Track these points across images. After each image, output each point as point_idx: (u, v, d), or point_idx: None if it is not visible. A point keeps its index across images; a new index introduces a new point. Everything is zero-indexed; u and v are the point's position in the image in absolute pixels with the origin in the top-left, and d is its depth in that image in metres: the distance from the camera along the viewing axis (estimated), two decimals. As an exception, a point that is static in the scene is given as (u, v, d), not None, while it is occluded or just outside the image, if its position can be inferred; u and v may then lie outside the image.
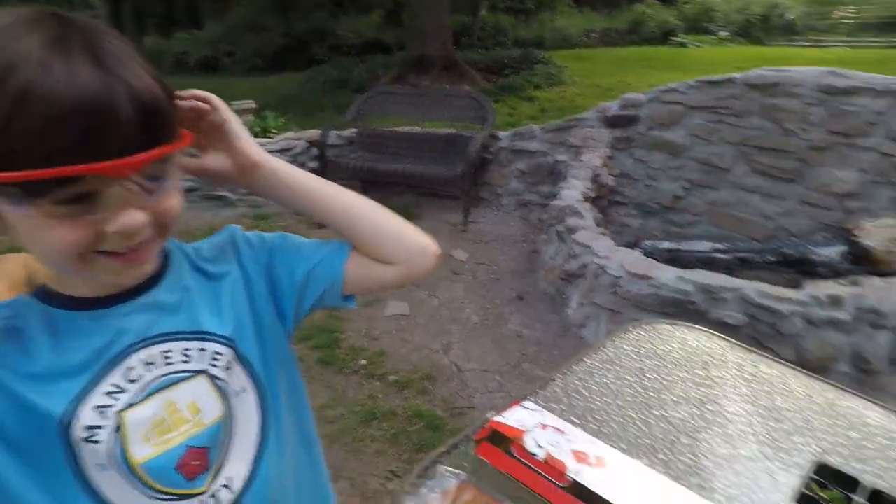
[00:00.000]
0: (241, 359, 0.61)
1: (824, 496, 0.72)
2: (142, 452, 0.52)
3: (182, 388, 0.55)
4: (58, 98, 0.42)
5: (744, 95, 3.59)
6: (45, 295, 0.54)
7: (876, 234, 2.86)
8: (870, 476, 0.87)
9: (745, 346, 1.23)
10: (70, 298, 0.53)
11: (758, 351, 1.21)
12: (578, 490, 0.75)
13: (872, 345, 2.28)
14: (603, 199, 3.98)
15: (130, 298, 0.56)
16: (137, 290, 0.56)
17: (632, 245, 3.35)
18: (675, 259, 3.14)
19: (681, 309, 2.37)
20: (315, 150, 4.34)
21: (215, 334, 0.59)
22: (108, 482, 0.51)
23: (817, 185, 3.43)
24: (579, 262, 2.76)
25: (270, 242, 0.70)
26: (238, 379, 0.60)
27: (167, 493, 0.54)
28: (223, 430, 0.58)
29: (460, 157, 4.10)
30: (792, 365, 1.17)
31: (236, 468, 0.59)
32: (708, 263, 3.11)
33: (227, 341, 0.60)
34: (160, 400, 0.54)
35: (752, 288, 2.32)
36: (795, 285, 2.63)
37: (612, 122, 4.09)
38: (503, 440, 0.84)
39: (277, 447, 0.63)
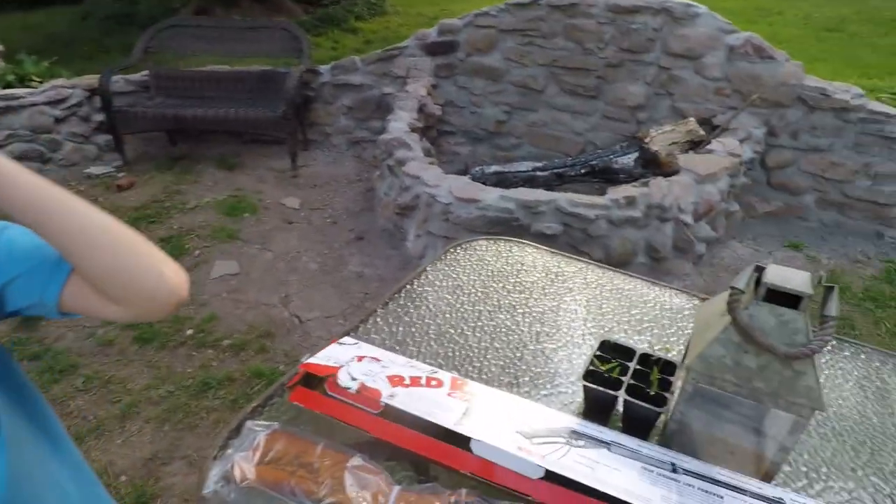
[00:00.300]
0: None
1: (604, 368, 0.82)
2: None
3: None
4: None
5: (549, 17, 3.79)
6: None
7: (659, 139, 3.30)
8: (645, 344, 1.02)
9: (551, 249, 1.34)
10: None
11: (561, 252, 1.33)
12: (393, 413, 0.75)
13: (660, 236, 2.67)
14: (432, 130, 4.02)
15: None
16: None
17: (462, 172, 3.46)
18: (501, 181, 3.32)
19: (507, 226, 2.52)
20: (99, 101, 3.67)
21: None
22: None
23: (614, 100, 3.82)
24: (412, 194, 2.78)
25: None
26: None
27: None
28: None
29: (279, 96, 3.79)
30: (591, 261, 1.31)
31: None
32: (530, 182, 3.35)
33: None
34: None
35: (564, 199, 2.54)
36: (603, 193, 2.95)
37: (432, 50, 4.07)
38: (317, 381, 0.81)
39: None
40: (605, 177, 3.39)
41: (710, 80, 3.50)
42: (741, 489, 0.69)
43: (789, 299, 0.67)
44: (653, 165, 3.27)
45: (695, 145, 3.33)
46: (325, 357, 0.85)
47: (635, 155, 3.31)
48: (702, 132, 3.32)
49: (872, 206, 3.24)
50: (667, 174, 3.07)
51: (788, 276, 0.68)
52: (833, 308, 0.66)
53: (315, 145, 4.21)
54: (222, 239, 2.87)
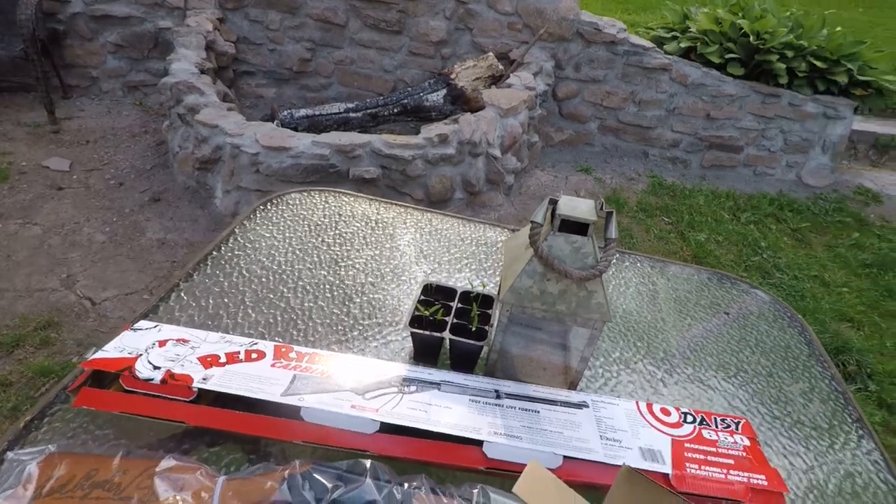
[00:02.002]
0: None
1: (427, 312, 0.84)
2: None
3: None
4: None
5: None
6: None
7: (464, 75, 3.40)
8: (465, 281, 1.07)
9: (368, 196, 1.31)
10: None
11: (379, 199, 1.31)
12: (210, 397, 0.69)
13: (474, 171, 2.81)
14: (227, 70, 3.60)
15: None
16: None
17: (269, 118, 3.19)
18: (314, 125, 3.14)
19: (324, 174, 2.42)
20: None
21: None
22: None
23: (417, 35, 3.81)
24: (212, 146, 2.49)
25: None
26: None
27: None
28: None
29: (11, 30, 3.01)
30: (408, 204, 1.31)
31: None
32: (344, 124, 3.23)
33: None
34: None
35: (380, 141, 2.51)
36: (417, 133, 2.98)
37: (214, -23, 3.57)
38: (110, 378, 0.70)
39: None
40: (418, 115, 3.42)
41: (503, 14, 3.67)
42: (553, 401, 0.78)
43: (579, 227, 0.74)
44: (461, 102, 3.38)
45: (495, 80, 3.50)
46: (116, 348, 0.73)
47: (444, 92, 3.38)
48: (500, 67, 3.50)
49: (639, 129, 3.80)
50: (473, 110, 3.20)
51: (576, 205, 0.75)
52: (613, 231, 0.74)
53: (79, 92, 3.50)
54: (-37, 218, 2.28)
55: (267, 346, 0.78)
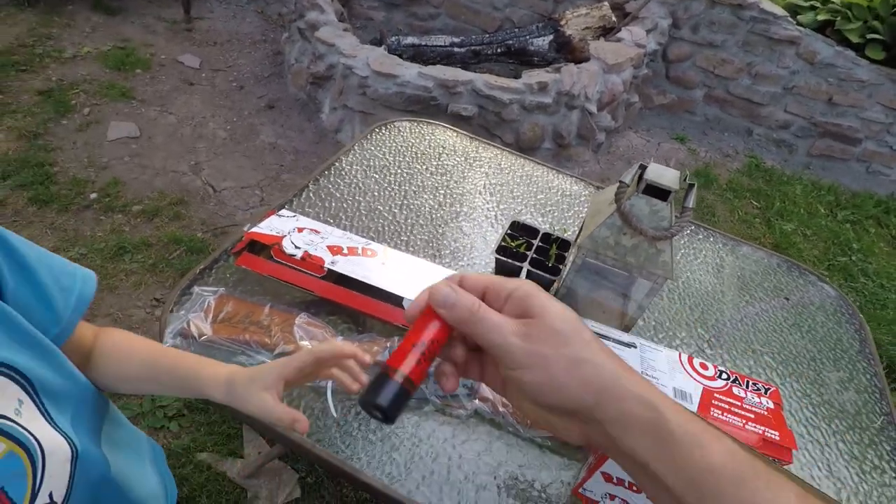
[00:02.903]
0: (8, 368, 0.48)
1: (513, 244, 0.97)
2: None
3: None
4: None
5: None
6: None
7: (574, 23, 3.33)
8: (547, 224, 1.19)
9: (470, 135, 1.44)
10: None
11: (480, 138, 1.43)
12: (335, 276, 0.87)
13: (567, 123, 2.83)
14: (345, -11, 3.71)
15: None
16: None
17: (377, 42, 3.30)
18: (418, 55, 3.23)
19: (424, 105, 2.54)
20: None
21: None
22: None
23: (535, -25, 3.72)
24: (326, 63, 2.66)
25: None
26: (10, 394, 0.48)
27: None
28: (17, 460, 0.48)
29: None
30: (503, 147, 1.43)
31: (57, 473, 0.51)
32: (447, 58, 3.29)
33: None
34: None
35: (482, 80, 2.58)
36: (517, 75, 3.00)
37: None
38: (262, 248, 0.89)
39: (85, 435, 0.56)
40: (520, 58, 3.42)
41: (629, -37, 3.50)
42: (606, 336, 0.91)
43: (661, 193, 0.84)
44: (565, 50, 3.34)
45: (606, 32, 3.41)
46: (266, 227, 0.93)
47: (550, 38, 3.34)
48: (614, 19, 3.39)
49: (748, 104, 3.61)
50: (577, 60, 3.17)
51: (663, 173, 0.84)
52: (691, 201, 0.84)
53: (210, -7, 3.74)
54: (114, 97, 2.60)
55: (378, 248, 0.95)
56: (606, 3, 3.44)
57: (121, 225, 2.02)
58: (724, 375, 0.90)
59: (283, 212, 0.99)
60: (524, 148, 2.73)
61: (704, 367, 0.91)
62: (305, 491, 1.40)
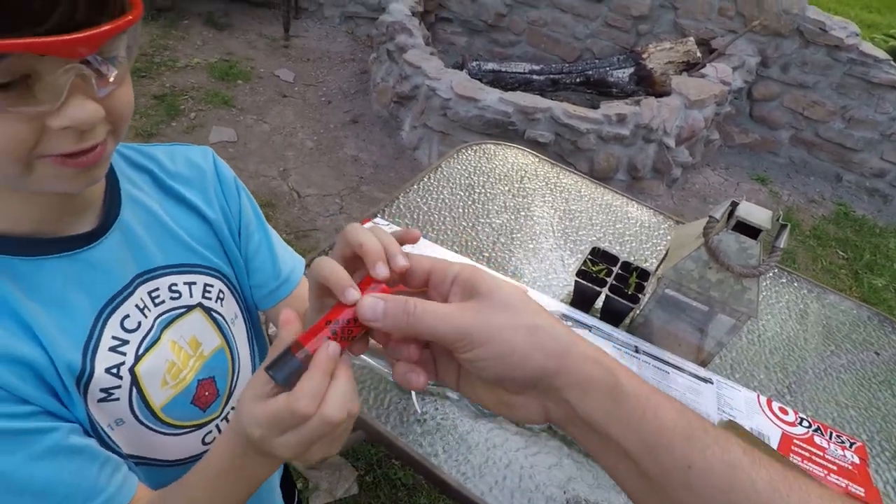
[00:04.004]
0: (232, 287, 0.59)
1: (594, 269, 1.00)
2: (161, 397, 0.51)
3: (180, 326, 0.53)
4: None
5: None
6: None
7: (657, 56, 3.32)
8: (625, 254, 1.20)
9: (551, 160, 1.48)
10: (23, 241, 0.43)
11: (560, 165, 1.47)
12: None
13: (643, 156, 2.82)
14: (430, 15, 3.87)
15: (102, 234, 0.47)
16: (103, 226, 0.47)
17: (458, 66, 3.42)
18: (497, 80, 3.32)
19: (502, 129, 2.61)
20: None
21: (200, 266, 0.55)
22: (121, 436, 0.49)
23: (618, 7, 3.74)
24: (411, 84, 2.79)
25: (248, 201, 0.63)
26: (230, 308, 0.58)
27: (186, 426, 0.54)
28: (225, 359, 0.57)
29: (273, -47, 3.54)
30: (583, 174, 1.45)
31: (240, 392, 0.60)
32: (525, 84, 3.36)
33: (214, 271, 0.57)
34: (164, 343, 0.52)
35: (560, 109, 2.62)
36: (594, 105, 3.02)
37: (441, -76, 3.80)
38: (360, 254, 0.96)
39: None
40: (598, 88, 3.44)
41: (718, -2, 3.47)
42: (682, 369, 0.92)
43: (751, 231, 0.85)
44: (646, 83, 3.33)
45: (689, 67, 3.37)
46: (363, 235, 1.00)
47: (631, 70, 3.35)
48: (698, 54, 3.35)
49: (839, 148, 3.44)
50: (658, 94, 3.15)
51: (754, 212, 0.85)
52: (783, 242, 0.84)
53: (306, 15, 4.01)
54: (217, 105, 2.84)
55: (464, 260, 1.00)
56: (692, 39, 3.41)
57: (214, 221, 2.19)
58: (806, 423, 0.88)
59: (378, 220, 1.07)
60: (597, 177, 2.73)
61: (784, 411, 0.89)
62: (363, 489, 1.45)
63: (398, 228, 1.04)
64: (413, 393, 0.80)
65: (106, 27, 0.35)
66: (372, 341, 0.38)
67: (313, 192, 2.45)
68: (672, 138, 2.85)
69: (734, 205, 0.86)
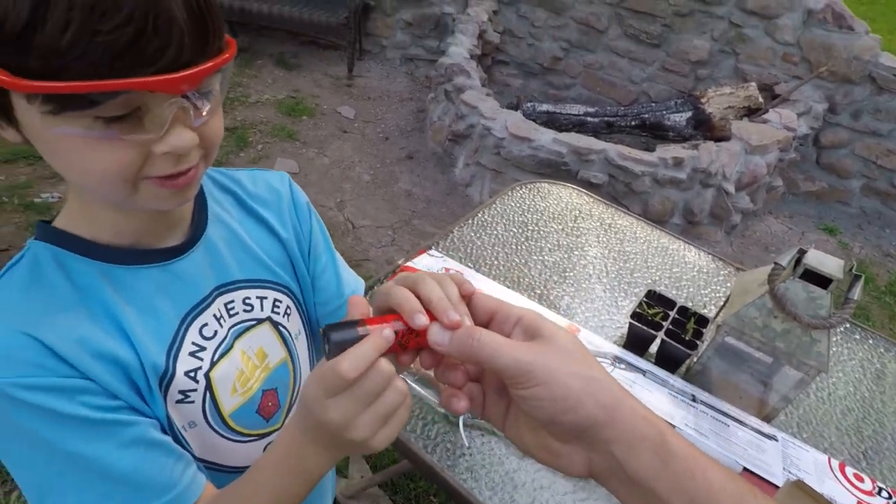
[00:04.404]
0: (298, 304, 0.63)
1: (649, 312, 0.97)
2: (231, 403, 0.54)
3: (250, 337, 0.56)
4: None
5: (625, -46, 3.63)
6: (73, 244, 0.46)
7: (716, 101, 3.27)
8: (682, 298, 1.17)
9: (605, 201, 1.47)
10: (123, 252, 0.48)
11: (615, 205, 1.45)
12: (475, 319, 0.93)
13: (700, 200, 2.75)
14: (487, 58, 3.98)
15: (190, 247, 0.52)
16: (190, 241, 0.52)
17: (513, 107, 3.48)
18: (551, 121, 3.35)
19: (555, 169, 2.61)
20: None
21: (271, 282, 0.59)
22: (193, 438, 0.53)
23: (676, 52, 3.74)
24: (466, 123, 2.85)
25: (318, 224, 0.67)
26: (295, 324, 0.62)
27: (251, 435, 0.57)
28: (288, 372, 0.61)
29: (341, 1, 3.76)
30: (639, 216, 1.43)
31: None
32: (580, 126, 3.38)
33: (283, 288, 0.60)
34: (236, 352, 0.55)
35: (615, 150, 2.61)
36: (649, 148, 2.99)
37: (502, -27, 3.95)
38: (413, 285, 0.98)
39: None
40: (654, 132, 3.41)
41: (781, 43, 3.40)
42: (744, 423, 0.87)
43: (821, 280, 0.81)
44: (704, 127, 3.27)
45: (751, 112, 3.30)
46: (418, 263, 1.02)
47: (688, 114, 3.31)
48: (760, 100, 3.28)
49: (916, 200, 3.25)
50: (717, 138, 3.09)
51: (824, 260, 0.81)
52: (856, 293, 0.79)
53: (370, 56, 4.21)
54: (282, 138, 3.00)
55: (515, 296, 1.00)
56: (753, 84, 3.35)
57: (272, 248, 2.28)
58: (885, 493, 0.81)
59: (433, 251, 1.08)
60: (651, 220, 2.68)
61: (860, 478, 0.83)
62: (400, 525, 1.43)
63: (452, 265, 1.06)
64: (461, 425, 0.79)
65: (206, 66, 0.39)
66: (423, 370, 0.40)
67: (367, 224, 2.52)
68: (732, 184, 2.77)
69: (802, 252, 0.82)
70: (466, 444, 0.77)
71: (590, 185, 2.59)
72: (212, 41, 0.40)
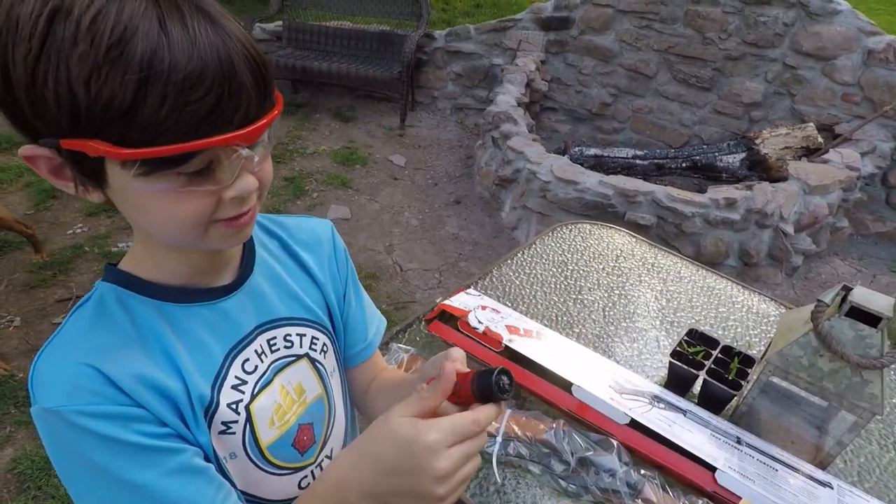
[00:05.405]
0: (333, 343, 0.67)
1: (689, 350, 0.95)
2: (268, 436, 0.58)
3: (289, 372, 0.60)
4: (190, 68, 0.39)
5: (670, 1, 3.69)
6: (134, 284, 0.52)
7: (771, 142, 3.20)
8: (729, 339, 1.13)
9: (649, 241, 1.46)
10: (177, 290, 0.53)
11: (658, 245, 1.44)
12: (511, 353, 0.94)
13: (756, 242, 2.66)
14: (536, 105, 4.09)
15: (237, 287, 0.57)
16: (237, 281, 0.57)
17: (561, 151, 3.53)
18: (599, 164, 3.37)
19: (601, 211, 2.61)
20: (240, 45, 4.08)
21: (310, 320, 0.63)
22: (234, 469, 0.56)
23: (728, 94, 3.70)
24: (513, 168, 2.92)
25: (351, 271, 0.71)
26: (330, 361, 0.66)
27: (286, 468, 0.60)
28: (323, 407, 0.64)
29: (395, 57, 4.00)
30: (682, 255, 1.42)
31: (337, 438, 0.67)
32: (628, 169, 3.37)
33: (321, 327, 0.64)
34: (275, 386, 0.58)
35: (663, 192, 2.58)
36: (701, 189, 2.94)
37: (546, 24, 4.09)
38: (450, 318, 1.01)
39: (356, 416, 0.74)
40: (707, 173, 3.35)
41: (840, 84, 3.31)
42: (795, 468, 0.83)
43: (870, 318, 0.78)
44: (759, 168, 3.19)
45: (809, 153, 3.20)
46: (456, 301, 1.05)
47: (742, 155, 3.25)
48: (819, 139, 3.18)
49: None
50: (773, 179, 3.00)
51: (872, 298, 0.78)
52: (909, 331, 0.76)
53: (421, 107, 4.41)
54: (336, 186, 3.17)
55: (552, 334, 1.01)
56: (811, 124, 3.27)
57: (324, 289, 2.38)
58: (957, 550, 0.74)
59: (471, 290, 1.12)
60: (704, 262, 2.61)
61: (927, 533, 0.76)
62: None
63: (489, 303, 1.09)
64: (494, 461, 0.80)
65: (265, 120, 0.45)
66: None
67: (414, 267, 2.58)
68: (790, 225, 2.67)
69: (847, 289, 0.80)
70: (500, 481, 0.78)
71: (637, 227, 2.57)
72: (269, 94, 0.46)
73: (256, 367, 0.57)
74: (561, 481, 0.78)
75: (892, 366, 0.77)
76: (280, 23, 4.34)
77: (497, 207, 3.08)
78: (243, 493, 0.56)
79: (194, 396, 0.51)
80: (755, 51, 3.56)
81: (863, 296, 0.79)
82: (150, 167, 0.42)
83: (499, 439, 0.82)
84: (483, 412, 0.46)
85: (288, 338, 0.60)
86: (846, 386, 0.79)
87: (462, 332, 0.98)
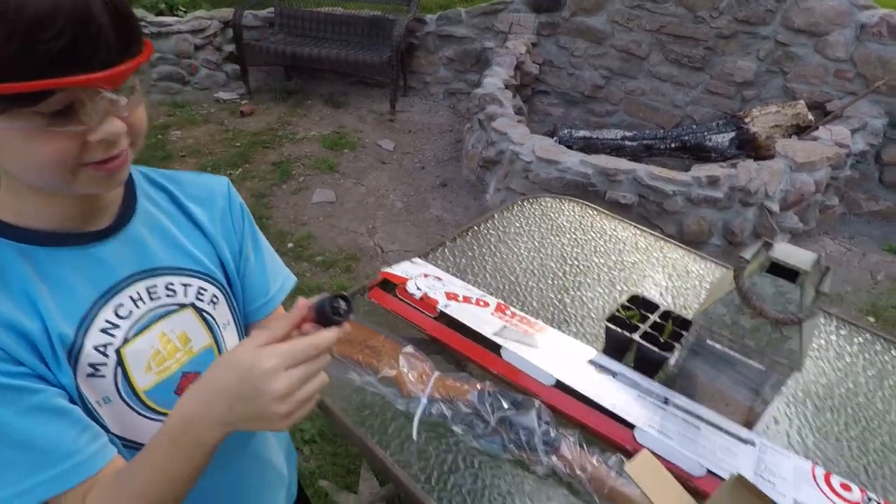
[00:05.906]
0: (227, 296, 0.66)
1: (626, 315, 0.96)
2: (145, 381, 0.57)
3: (171, 320, 0.60)
4: (39, 8, 0.41)
5: (663, -20, 3.64)
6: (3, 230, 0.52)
7: (761, 120, 3.15)
8: (680, 307, 1.14)
9: (610, 213, 1.46)
10: (44, 235, 0.53)
11: (619, 217, 1.44)
12: (446, 319, 0.95)
13: (740, 220, 2.63)
14: (527, 88, 4.06)
15: (111, 234, 0.57)
16: (113, 228, 0.57)
17: (550, 133, 3.51)
18: (588, 146, 3.35)
19: (583, 191, 2.60)
20: (230, 32, 4.08)
21: (197, 271, 0.63)
22: (108, 414, 0.55)
23: (720, 74, 3.65)
24: (497, 149, 2.91)
25: (249, 227, 0.71)
26: (222, 313, 0.65)
27: (167, 414, 0.61)
28: (212, 358, 0.63)
29: (386, 42, 3.98)
30: (643, 228, 1.41)
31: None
32: (617, 150, 3.35)
33: (210, 278, 0.64)
34: (153, 332, 0.58)
35: (644, 170, 2.57)
36: (689, 169, 2.92)
37: (538, 6, 4.05)
38: (391, 286, 1.02)
39: None
40: (696, 153, 3.32)
41: (832, 60, 3.26)
42: (719, 426, 0.83)
43: (790, 274, 0.78)
44: (748, 147, 3.16)
45: (800, 130, 3.16)
46: (399, 269, 1.06)
47: (731, 135, 3.21)
48: (810, 117, 3.14)
49: None
50: (763, 158, 2.97)
51: (793, 253, 0.78)
52: (826, 286, 0.76)
53: (413, 92, 4.40)
54: (323, 170, 3.18)
55: (492, 300, 1.02)
56: (801, 102, 3.22)
57: (304, 271, 2.40)
58: (874, 503, 0.75)
59: (416, 259, 1.13)
60: (688, 241, 2.59)
61: (847, 487, 0.77)
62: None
63: (431, 272, 1.10)
64: (416, 421, 0.81)
65: (129, 65, 0.47)
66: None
67: (395, 248, 2.59)
68: (776, 203, 2.64)
69: (768, 245, 0.80)
70: (415, 438, 0.79)
71: (619, 206, 2.56)
72: (134, 41, 0.47)
73: (131, 312, 0.57)
74: (481, 441, 0.79)
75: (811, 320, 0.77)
76: (272, 9, 4.33)
77: (482, 190, 3.07)
78: (121, 438, 0.57)
79: (54, 336, 0.51)
80: (747, 28, 3.50)
81: (783, 251, 0.79)
82: (5, 104, 0.43)
83: (423, 400, 0.83)
84: (322, 336, 0.48)
85: (170, 286, 0.60)
86: (766, 342, 0.79)
87: (400, 299, 0.99)
